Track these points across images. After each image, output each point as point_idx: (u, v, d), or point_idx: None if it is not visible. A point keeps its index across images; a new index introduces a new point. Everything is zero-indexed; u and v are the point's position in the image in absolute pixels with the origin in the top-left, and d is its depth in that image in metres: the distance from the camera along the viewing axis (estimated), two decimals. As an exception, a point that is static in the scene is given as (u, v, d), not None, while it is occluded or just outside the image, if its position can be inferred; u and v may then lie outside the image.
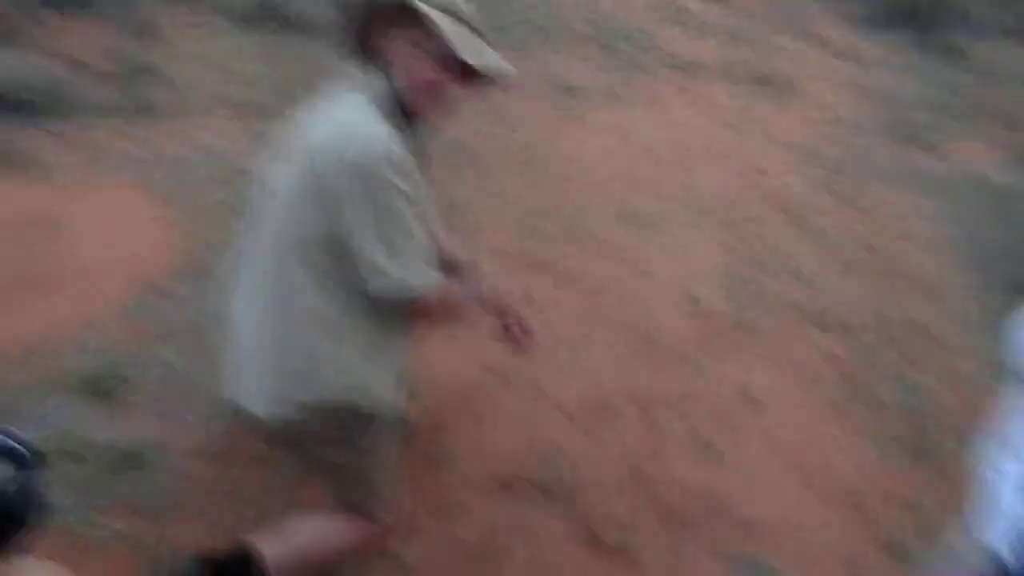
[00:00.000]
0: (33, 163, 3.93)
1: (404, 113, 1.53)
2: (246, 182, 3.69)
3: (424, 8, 1.47)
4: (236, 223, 3.29)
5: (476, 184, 3.84)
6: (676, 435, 2.29)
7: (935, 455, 2.22)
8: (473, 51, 1.50)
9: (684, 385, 2.49)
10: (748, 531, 1.98)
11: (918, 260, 3.24)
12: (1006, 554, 0.91)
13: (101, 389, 2.33)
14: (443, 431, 2.27)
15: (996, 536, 0.91)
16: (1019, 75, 5.73)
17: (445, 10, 1.50)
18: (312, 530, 1.77)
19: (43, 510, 0.94)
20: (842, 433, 2.32)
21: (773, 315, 2.85)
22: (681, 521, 2.01)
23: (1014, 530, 0.93)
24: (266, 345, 1.59)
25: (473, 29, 1.54)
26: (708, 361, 2.60)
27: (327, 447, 1.68)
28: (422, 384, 2.43)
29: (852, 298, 2.96)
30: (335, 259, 1.52)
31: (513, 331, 1.86)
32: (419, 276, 1.50)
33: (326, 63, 5.33)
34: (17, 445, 0.92)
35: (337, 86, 1.61)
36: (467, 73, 1.53)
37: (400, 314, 1.62)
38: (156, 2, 6.64)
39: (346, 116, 1.51)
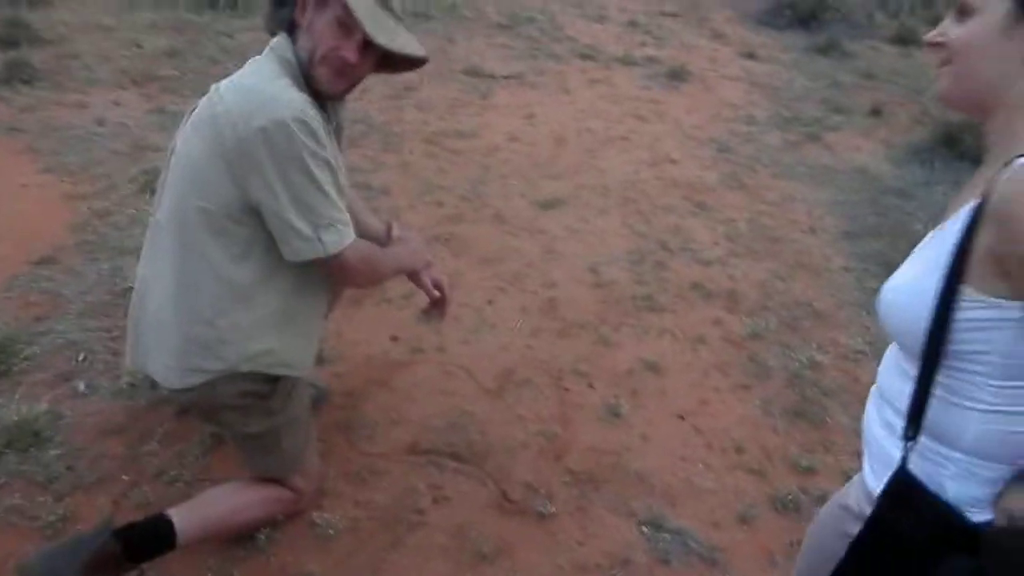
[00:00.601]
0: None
1: (305, 76, 1.54)
2: (141, 153, 3.57)
3: None
4: (130, 193, 3.20)
5: (386, 162, 3.84)
6: (581, 400, 2.40)
7: (814, 416, 2.42)
8: (381, 29, 1.51)
9: (588, 352, 2.61)
10: (651, 490, 2.10)
11: (804, 243, 3.48)
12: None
13: (-8, 364, 2.22)
14: (355, 398, 2.29)
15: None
16: (892, 73, 6.18)
17: None
18: (226, 498, 1.77)
19: None
20: (731, 395, 2.49)
21: (671, 291, 3.00)
22: (588, 481, 2.11)
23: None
24: (172, 313, 1.57)
25: (387, 9, 1.56)
26: (609, 331, 2.72)
27: (238, 415, 1.67)
28: (333, 352, 2.45)
29: (745, 277, 3.15)
30: (243, 225, 1.52)
31: (428, 289, 1.89)
32: (335, 235, 1.52)
33: (236, 37, 5.19)
34: None
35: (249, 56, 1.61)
36: (377, 51, 1.55)
37: (319, 277, 1.64)
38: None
39: (254, 82, 1.51)
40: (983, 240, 0.83)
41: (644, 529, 1.98)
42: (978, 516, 0.92)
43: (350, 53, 1.51)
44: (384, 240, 1.90)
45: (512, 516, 1.99)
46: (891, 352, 1.04)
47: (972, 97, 0.94)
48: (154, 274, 1.61)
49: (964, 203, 0.88)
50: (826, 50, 6.45)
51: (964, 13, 0.93)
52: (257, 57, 1.58)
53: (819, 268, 3.31)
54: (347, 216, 1.57)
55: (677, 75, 5.56)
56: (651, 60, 5.90)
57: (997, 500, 0.91)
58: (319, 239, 1.50)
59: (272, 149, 1.42)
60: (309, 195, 1.47)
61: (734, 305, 2.96)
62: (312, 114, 1.46)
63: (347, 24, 1.49)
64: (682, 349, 2.69)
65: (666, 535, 1.96)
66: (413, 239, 1.92)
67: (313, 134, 1.45)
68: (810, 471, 2.22)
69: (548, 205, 3.57)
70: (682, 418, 2.38)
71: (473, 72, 5.21)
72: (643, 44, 6.31)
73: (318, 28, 1.51)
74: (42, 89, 4.25)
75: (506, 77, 5.23)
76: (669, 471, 2.17)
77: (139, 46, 5.01)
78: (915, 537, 0.92)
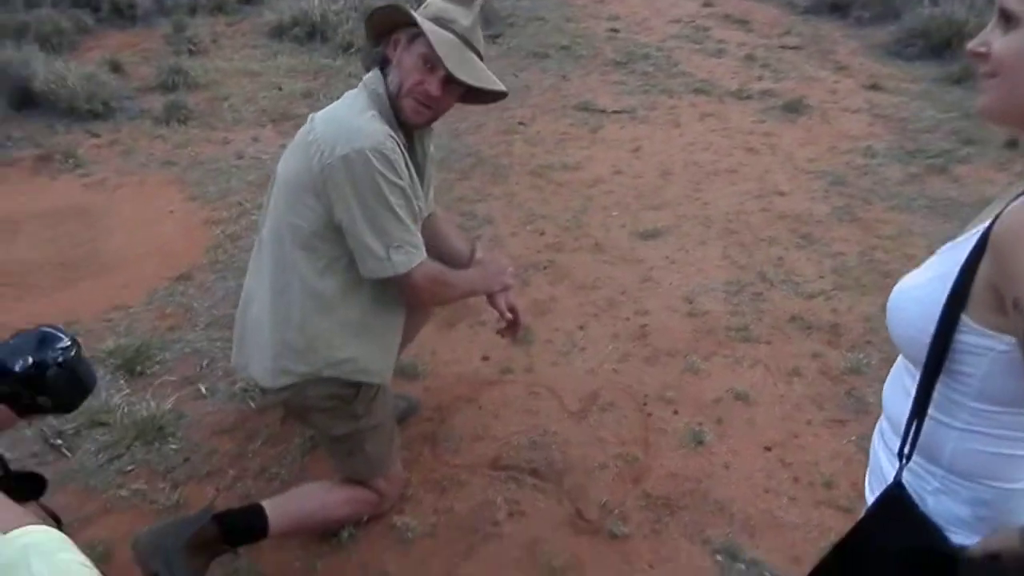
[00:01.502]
0: (76, 161, 4.18)
1: (393, 107, 1.69)
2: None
3: (417, 16, 1.64)
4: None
5: (492, 193, 4.00)
6: (665, 426, 2.39)
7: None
8: (462, 66, 1.64)
9: (675, 380, 2.60)
10: (730, 519, 2.07)
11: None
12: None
13: (129, 366, 2.50)
14: (443, 412, 2.41)
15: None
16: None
17: (438, 20, 1.66)
18: (315, 496, 1.91)
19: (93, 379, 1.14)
20: (824, 429, 2.40)
21: (768, 323, 2.94)
22: (665, 506, 2.10)
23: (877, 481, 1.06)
24: (268, 320, 1.75)
25: (467, 43, 1.70)
26: (699, 360, 2.70)
27: (325, 418, 1.82)
28: (425, 369, 2.58)
29: (849, 311, 3.04)
30: (329, 243, 1.69)
31: (501, 311, 1.96)
32: (404, 256, 1.65)
33: (354, 72, 5.57)
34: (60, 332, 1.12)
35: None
36: (459, 86, 1.68)
37: (392, 293, 1.77)
38: (197, 15, 7.00)
39: (343, 113, 1.68)
40: (984, 268, 0.83)
41: (719, 558, 1.96)
42: (958, 538, 0.92)
43: (433, 87, 1.65)
44: (467, 262, 2.01)
45: (585, 534, 2.02)
46: (896, 368, 1.04)
47: (1015, 114, 0.91)
48: (256, 285, 1.80)
49: (985, 220, 0.87)
50: (960, 80, 6.09)
51: (1009, 21, 0.90)
52: (351, 91, 1.75)
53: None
54: (419, 239, 1.69)
55: (793, 108, 5.43)
56: (767, 93, 5.79)
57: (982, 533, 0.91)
58: (390, 259, 1.63)
59: (352, 175, 1.57)
60: (383, 218, 1.61)
61: (835, 339, 2.86)
62: (391, 146, 1.60)
63: (431, 61, 1.63)
64: (775, 381, 2.63)
65: (741, 565, 1.93)
66: (493, 263, 2.01)
67: (390, 163, 1.59)
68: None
69: (648, 235, 3.59)
70: (769, 449, 2.32)
71: (584, 107, 5.32)
72: (760, 78, 6.21)
73: (406, 64, 1.67)
74: (194, 127, 4.75)
75: (616, 112, 5.30)
76: (750, 502, 2.13)
77: (279, 88, 5.49)
78: (895, 551, 0.93)
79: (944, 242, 0.99)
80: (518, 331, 2.03)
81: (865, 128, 5.22)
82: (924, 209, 4.02)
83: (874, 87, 6.04)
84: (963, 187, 4.33)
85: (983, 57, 0.91)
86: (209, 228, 3.50)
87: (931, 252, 1.02)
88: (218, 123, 4.86)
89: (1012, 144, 4.85)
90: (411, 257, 1.66)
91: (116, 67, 5.57)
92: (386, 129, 1.62)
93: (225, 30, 6.86)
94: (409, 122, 1.70)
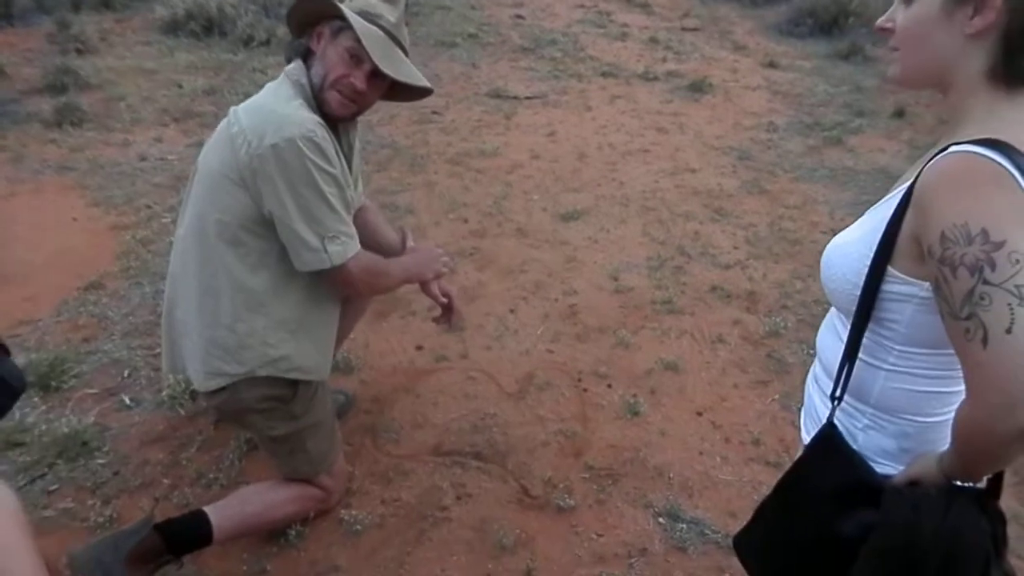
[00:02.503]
0: (-36, 170, 3.90)
1: (317, 100, 1.66)
2: (181, 184, 3.76)
3: (345, 9, 1.62)
4: (170, 222, 3.38)
5: (411, 183, 3.98)
6: (600, 400, 2.46)
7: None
8: (388, 60, 1.64)
9: (607, 355, 2.67)
10: (669, 483, 2.15)
11: (825, 243, 3.48)
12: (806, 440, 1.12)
13: (43, 382, 2.37)
14: (381, 404, 2.39)
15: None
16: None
17: (364, 14, 1.65)
18: (258, 497, 1.87)
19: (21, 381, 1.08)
20: (750, 391, 2.52)
21: (690, 294, 3.05)
22: (607, 476, 2.16)
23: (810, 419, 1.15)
24: (196, 321, 1.69)
25: (393, 39, 1.69)
26: (628, 334, 2.78)
27: (263, 419, 1.78)
28: (360, 362, 2.56)
29: (764, 279, 3.19)
30: (258, 237, 1.64)
31: (435, 297, 1.98)
32: (339, 247, 1.63)
33: (269, 72, 5.42)
34: None
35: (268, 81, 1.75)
36: (384, 81, 1.68)
37: (326, 287, 1.74)
38: (82, 11, 6.62)
39: (268, 103, 1.65)
40: (908, 221, 0.90)
41: (661, 520, 2.03)
42: (885, 469, 1.01)
43: (359, 81, 1.64)
44: (399, 251, 2.00)
45: (533, 510, 2.05)
46: (828, 318, 1.12)
47: (923, 79, 0.97)
48: (179, 287, 1.74)
49: (908, 178, 0.94)
50: (848, 55, 6.45)
51: None
52: (272, 82, 1.71)
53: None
54: (352, 229, 1.68)
55: (698, 87, 5.62)
56: (672, 74, 5.97)
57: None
58: (325, 250, 1.60)
59: (282, 165, 1.54)
60: (316, 208, 1.59)
61: (753, 305, 3.00)
62: (321, 134, 1.57)
63: (357, 55, 1.62)
64: (701, 349, 2.73)
65: (683, 525, 2.01)
66: (423, 250, 2.00)
67: (321, 152, 1.57)
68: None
69: (569, 217, 3.66)
70: (700, 414, 2.42)
71: (496, 94, 5.35)
72: (664, 59, 6.39)
73: (331, 57, 1.64)
74: (90, 130, 4.51)
75: (528, 98, 5.35)
76: (687, 465, 2.22)
77: (179, 86, 5.27)
78: (828, 486, 1.01)
79: (844, 208, 1.07)
80: (454, 316, 2.04)
81: (765, 104, 5.46)
82: (825, 179, 4.25)
83: (771, 65, 6.32)
84: (858, 156, 4.60)
85: (890, 32, 0.99)
86: (117, 234, 3.34)
87: (833, 219, 1.10)
88: (116, 124, 4.62)
89: (899, 114, 5.19)
90: (346, 248, 1.64)
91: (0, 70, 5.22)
92: (315, 117, 1.60)
93: (114, 27, 6.53)
94: (334, 115, 1.68)
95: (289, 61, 1.73)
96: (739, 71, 6.21)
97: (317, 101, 1.67)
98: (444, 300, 1.98)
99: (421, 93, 1.81)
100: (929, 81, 0.97)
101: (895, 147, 4.75)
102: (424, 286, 1.97)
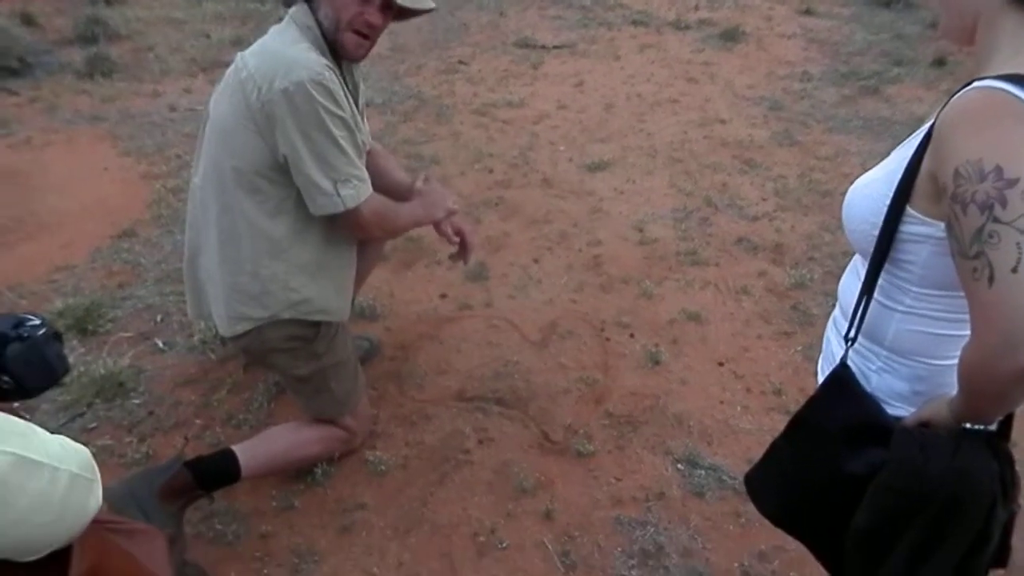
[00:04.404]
0: None
1: (328, 42, 1.66)
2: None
3: None
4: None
5: (437, 133, 3.97)
6: (622, 349, 2.47)
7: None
8: None
9: (630, 305, 2.67)
10: (688, 430, 2.17)
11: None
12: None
13: (80, 325, 2.45)
14: (406, 350, 2.43)
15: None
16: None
17: None
18: (285, 436, 1.92)
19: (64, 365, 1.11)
20: (773, 342, 2.52)
21: (715, 246, 3.03)
22: (627, 423, 2.19)
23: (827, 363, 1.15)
24: (219, 267, 1.72)
25: None
26: (652, 285, 2.78)
27: (288, 359, 1.82)
28: (385, 310, 2.60)
29: (792, 231, 3.15)
30: (274, 184, 1.65)
31: (448, 236, 1.98)
32: (352, 190, 1.64)
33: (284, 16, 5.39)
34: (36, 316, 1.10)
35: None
36: (392, 10, 1.66)
37: (341, 229, 1.76)
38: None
39: (275, 47, 1.64)
40: (926, 160, 0.88)
41: (680, 466, 2.06)
42: (897, 411, 1.01)
43: (374, 17, 1.63)
44: (409, 193, 2.00)
45: (552, 455, 2.09)
46: (851, 264, 1.11)
47: (961, 28, 0.96)
48: (201, 235, 1.77)
49: (930, 119, 0.92)
50: (889, 2, 6.23)
51: None
52: (277, 25, 1.70)
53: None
54: (364, 172, 1.68)
55: (730, 36, 5.48)
56: (704, 23, 5.82)
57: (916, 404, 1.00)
58: (338, 194, 1.61)
59: (293, 109, 1.54)
60: (328, 152, 1.59)
61: (779, 257, 2.97)
62: (329, 76, 1.57)
63: None
64: (724, 300, 2.72)
65: (701, 471, 2.03)
66: (434, 192, 1.98)
67: (331, 94, 1.57)
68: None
69: (595, 168, 3.63)
70: (722, 364, 2.42)
71: (524, 44, 5.27)
72: (696, 7, 6.23)
73: None
74: (121, 80, 4.55)
75: (557, 47, 5.27)
76: (707, 413, 2.23)
77: (207, 36, 5.28)
78: (839, 425, 1.02)
79: (878, 159, 1.06)
80: (469, 253, 2.05)
81: (800, 53, 5.31)
82: (859, 129, 4.15)
83: (807, 12, 6.12)
84: (894, 106, 4.47)
85: None
86: (148, 183, 3.39)
87: (865, 170, 1.08)
88: (145, 75, 4.66)
89: (940, 63, 5.01)
90: (359, 191, 1.65)
91: (28, 20, 5.27)
92: (322, 60, 1.59)
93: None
94: (349, 57, 1.68)
95: (288, 5, 1.72)
96: (774, 19, 6.03)
97: (330, 45, 1.66)
98: (456, 239, 1.99)
99: (424, 12, 1.78)
100: (967, 31, 0.95)
101: (933, 96, 4.61)
102: (437, 226, 1.98)
